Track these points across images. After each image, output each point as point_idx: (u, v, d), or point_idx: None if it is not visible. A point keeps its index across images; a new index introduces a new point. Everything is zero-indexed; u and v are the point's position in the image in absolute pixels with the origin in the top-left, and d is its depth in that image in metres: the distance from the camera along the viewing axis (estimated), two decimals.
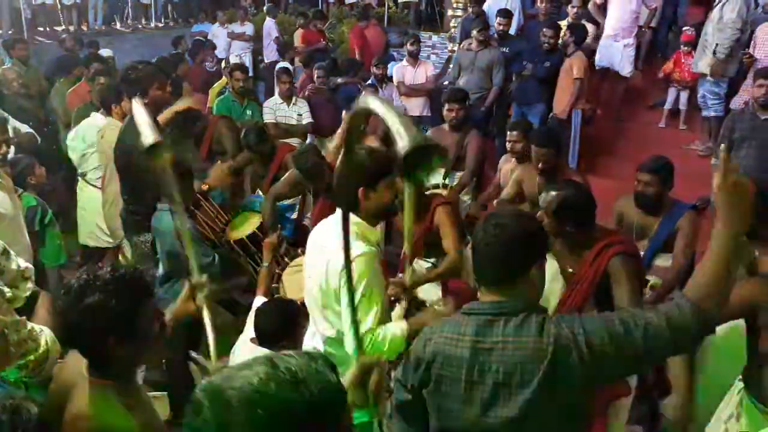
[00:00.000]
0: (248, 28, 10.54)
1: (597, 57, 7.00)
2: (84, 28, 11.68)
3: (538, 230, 1.76)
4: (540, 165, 3.85)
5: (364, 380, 1.51)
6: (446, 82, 7.47)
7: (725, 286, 1.55)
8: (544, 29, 6.31)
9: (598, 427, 2.68)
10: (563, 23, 6.83)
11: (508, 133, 4.46)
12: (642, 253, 3.56)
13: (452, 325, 1.70)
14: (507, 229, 1.66)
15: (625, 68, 6.99)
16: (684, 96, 7.02)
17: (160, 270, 3.43)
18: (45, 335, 2.05)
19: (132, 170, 3.51)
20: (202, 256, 3.16)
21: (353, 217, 2.38)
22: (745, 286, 2.37)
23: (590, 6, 7.30)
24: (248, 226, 4.22)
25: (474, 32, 6.57)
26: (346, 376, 1.44)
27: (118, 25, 12.47)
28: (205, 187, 4.23)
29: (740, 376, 2.51)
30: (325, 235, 2.46)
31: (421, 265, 3.73)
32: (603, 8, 7.19)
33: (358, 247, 2.19)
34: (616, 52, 6.93)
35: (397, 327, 2.26)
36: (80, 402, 1.56)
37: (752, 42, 5.78)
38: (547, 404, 1.58)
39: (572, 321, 1.62)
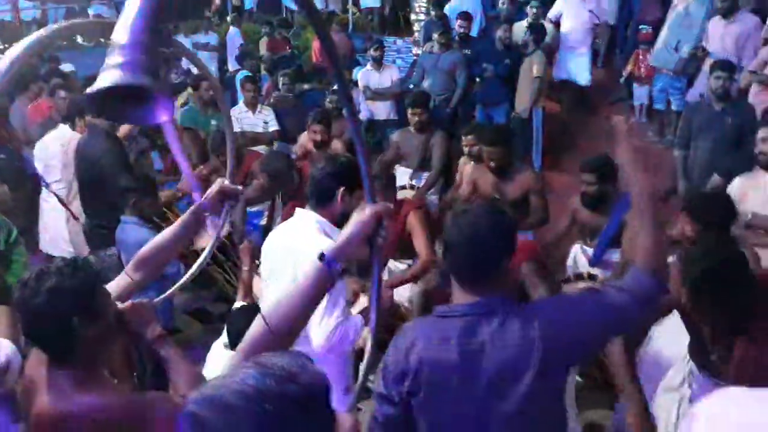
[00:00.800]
0: (212, 38, 10.50)
1: (555, 70, 7.16)
2: None
3: (509, 222, 1.78)
4: (492, 164, 3.92)
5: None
6: (411, 86, 7.53)
7: (661, 244, 1.66)
8: (499, 29, 6.48)
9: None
10: (523, 23, 6.95)
11: (463, 137, 4.56)
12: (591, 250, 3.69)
13: (434, 331, 1.68)
14: (480, 226, 1.68)
15: (582, 77, 7.16)
16: (645, 91, 7.18)
17: None
18: (3, 347, 2.05)
19: (94, 183, 3.49)
20: (169, 265, 3.15)
21: (316, 216, 2.47)
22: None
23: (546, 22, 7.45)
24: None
25: (435, 35, 6.66)
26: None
27: (80, 40, 12.32)
28: (179, 194, 4.24)
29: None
30: (291, 237, 2.50)
31: (398, 266, 3.80)
32: (557, 24, 7.30)
33: (323, 242, 2.21)
34: (572, 62, 7.12)
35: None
36: (42, 399, 1.56)
37: (704, 36, 5.94)
38: (540, 393, 1.62)
39: (549, 307, 1.71)
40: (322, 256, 1.35)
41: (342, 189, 2.45)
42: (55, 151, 4.47)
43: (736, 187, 3.67)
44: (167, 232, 1.97)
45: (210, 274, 4.15)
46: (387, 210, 1.41)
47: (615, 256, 3.64)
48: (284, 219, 3.95)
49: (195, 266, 2.12)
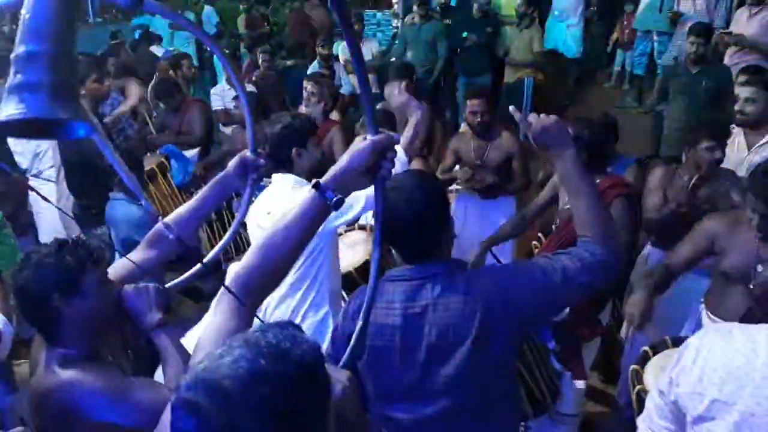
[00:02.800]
0: (188, 18, 10.38)
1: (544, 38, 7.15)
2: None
3: (440, 188, 1.79)
4: (476, 120, 3.95)
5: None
6: (393, 58, 7.53)
7: (601, 212, 1.62)
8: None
9: (578, 368, 2.80)
10: None
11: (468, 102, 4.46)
12: None
13: (381, 294, 1.67)
14: (411, 198, 1.64)
15: (571, 49, 7.11)
16: (628, 57, 7.25)
17: (117, 259, 3.44)
18: None
19: (80, 164, 3.50)
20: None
21: (291, 176, 2.56)
22: (705, 221, 2.64)
23: None
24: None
25: (415, 7, 6.66)
26: None
27: None
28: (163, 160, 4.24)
29: (702, 300, 2.71)
30: (270, 200, 2.58)
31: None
32: None
33: (302, 194, 2.26)
34: (560, 32, 7.09)
35: None
36: (38, 378, 1.59)
37: None
38: (483, 358, 1.61)
39: (494, 272, 1.68)
40: (317, 185, 1.25)
41: (294, 149, 2.55)
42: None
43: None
44: (187, 207, 1.83)
45: (197, 250, 4.18)
46: (389, 141, 1.26)
47: None
48: None
49: (217, 247, 1.91)
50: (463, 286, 1.62)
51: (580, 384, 2.81)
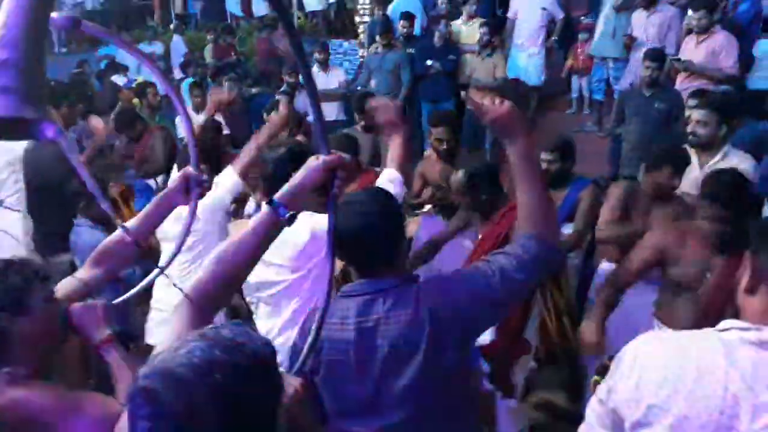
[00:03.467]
0: (157, 47, 10.42)
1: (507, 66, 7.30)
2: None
3: (394, 205, 1.81)
4: (441, 147, 4.03)
5: None
6: (358, 87, 7.66)
7: (544, 206, 1.64)
8: (439, 25, 6.75)
9: (507, 387, 2.84)
10: (459, 21, 7.18)
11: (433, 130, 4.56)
12: None
13: (336, 309, 1.69)
14: (367, 213, 1.67)
15: (532, 78, 7.22)
16: (585, 82, 7.47)
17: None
18: None
19: (43, 189, 3.49)
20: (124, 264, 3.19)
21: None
22: (653, 235, 2.75)
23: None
24: None
25: (378, 36, 6.81)
26: None
27: (55, 49, 12.05)
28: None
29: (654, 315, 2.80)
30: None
31: None
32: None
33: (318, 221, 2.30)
34: (522, 62, 7.25)
35: None
36: None
37: (629, 23, 6.27)
38: (436, 367, 1.64)
39: (440, 282, 1.72)
40: (271, 201, 1.32)
41: (293, 174, 2.57)
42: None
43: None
44: (132, 222, 1.88)
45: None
46: (340, 160, 1.32)
47: (567, 230, 3.85)
48: None
49: (152, 275, 1.91)
50: (413, 299, 1.65)
51: (512, 403, 2.85)
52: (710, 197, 2.52)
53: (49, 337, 1.64)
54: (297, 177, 1.34)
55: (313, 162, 1.34)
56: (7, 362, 1.59)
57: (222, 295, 1.34)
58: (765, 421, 1.15)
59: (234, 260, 1.31)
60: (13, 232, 4.57)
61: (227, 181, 3.00)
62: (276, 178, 2.63)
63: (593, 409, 1.39)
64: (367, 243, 1.67)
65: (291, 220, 1.29)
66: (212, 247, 2.68)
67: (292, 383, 1.10)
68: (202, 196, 1.83)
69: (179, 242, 1.90)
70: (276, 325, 2.62)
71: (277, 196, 1.32)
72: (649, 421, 1.23)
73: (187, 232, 1.90)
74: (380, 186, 2.16)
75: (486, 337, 2.67)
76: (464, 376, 1.77)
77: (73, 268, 3.50)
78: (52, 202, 3.52)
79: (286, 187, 1.34)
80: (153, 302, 3.34)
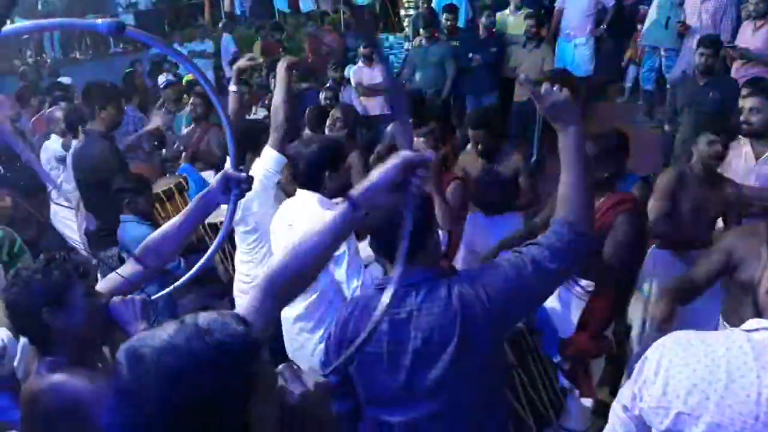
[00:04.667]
0: (208, 46, 10.63)
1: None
2: (43, 58, 11.73)
3: (425, 199, 1.83)
4: (478, 147, 3.99)
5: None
6: (403, 81, 7.63)
7: (584, 196, 1.63)
8: (483, 18, 6.62)
9: (588, 386, 2.80)
10: (507, 11, 7.03)
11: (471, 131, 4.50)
12: None
13: (370, 301, 1.74)
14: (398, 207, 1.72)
15: (580, 68, 7.01)
16: (641, 72, 7.24)
17: None
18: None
19: (93, 187, 3.61)
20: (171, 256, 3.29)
21: (317, 195, 2.69)
22: (723, 239, 2.68)
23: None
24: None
25: (421, 29, 6.76)
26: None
27: (77, 54, 12.49)
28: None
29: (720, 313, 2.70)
30: (293, 214, 2.71)
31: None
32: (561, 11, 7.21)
33: (323, 215, 2.37)
34: (569, 52, 7.07)
35: None
36: (29, 382, 1.68)
37: (683, 10, 6.03)
38: (468, 358, 1.66)
39: (472, 275, 1.71)
40: (349, 197, 1.28)
41: (327, 172, 2.65)
42: (48, 159, 4.64)
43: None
44: (172, 222, 1.91)
45: (214, 271, 4.26)
46: (420, 158, 1.24)
47: None
48: None
49: (200, 263, 1.98)
50: (445, 291, 1.67)
51: (587, 402, 2.79)
52: None
53: (90, 330, 1.72)
54: (372, 175, 1.28)
55: (393, 159, 1.27)
56: (50, 352, 1.69)
57: (292, 286, 1.35)
58: None
59: (306, 254, 1.31)
60: (68, 228, 4.78)
61: (268, 158, 3.05)
62: (309, 174, 2.67)
63: (617, 415, 1.35)
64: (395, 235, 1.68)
65: (366, 218, 1.27)
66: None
67: (306, 384, 1.09)
68: (242, 195, 1.83)
69: (220, 239, 1.93)
70: (290, 315, 2.73)
71: (353, 192, 1.29)
72: (678, 429, 1.19)
73: (227, 230, 1.92)
74: None
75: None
76: (496, 369, 1.77)
77: (121, 262, 3.62)
78: (100, 200, 3.64)
79: (363, 184, 1.29)
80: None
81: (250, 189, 1.83)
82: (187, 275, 1.98)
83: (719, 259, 2.61)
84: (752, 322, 1.20)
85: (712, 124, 3.19)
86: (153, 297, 1.89)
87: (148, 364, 0.90)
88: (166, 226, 1.91)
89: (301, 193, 2.77)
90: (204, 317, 0.96)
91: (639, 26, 7.10)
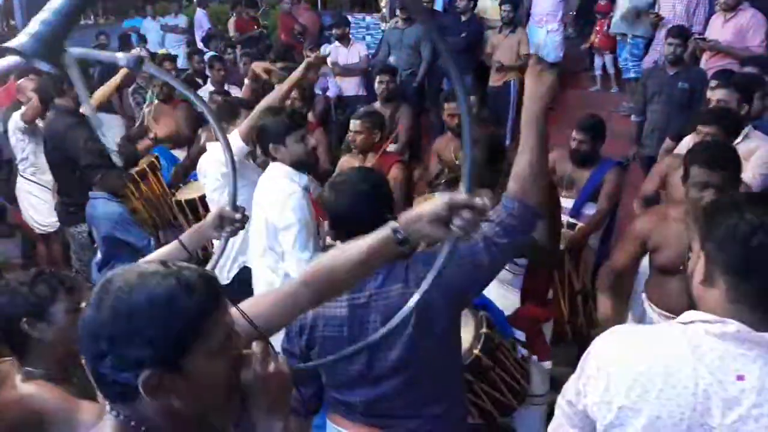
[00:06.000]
0: (181, 20, 10.42)
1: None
2: (12, 25, 11.40)
3: (382, 183, 1.88)
4: (452, 122, 4.02)
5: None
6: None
7: (536, 167, 1.66)
8: (461, 1, 6.60)
9: (542, 350, 2.85)
10: None
11: (445, 105, 4.49)
12: (572, 201, 3.92)
13: None
14: (356, 192, 1.77)
15: (551, 54, 7.03)
16: (609, 60, 7.31)
17: (98, 256, 3.50)
18: None
19: (61, 162, 3.56)
20: (138, 238, 3.29)
21: (286, 168, 2.81)
22: (633, 223, 2.75)
23: None
24: (200, 189, 3.95)
25: (398, 11, 6.73)
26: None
27: None
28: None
29: (643, 291, 2.80)
30: (261, 193, 2.84)
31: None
32: None
33: (289, 186, 2.66)
34: (541, 39, 7.09)
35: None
36: (4, 391, 1.70)
37: (656, 2, 6.10)
38: (426, 337, 1.72)
39: (427, 256, 1.74)
40: (393, 226, 1.31)
41: (271, 145, 2.80)
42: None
43: (684, 145, 3.81)
44: (163, 251, 1.86)
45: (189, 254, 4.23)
46: (466, 201, 1.23)
47: (590, 210, 3.87)
48: None
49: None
50: (402, 274, 1.72)
51: (546, 364, 2.87)
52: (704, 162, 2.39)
53: (69, 344, 1.72)
54: (422, 206, 1.31)
55: (443, 196, 1.28)
56: (27, 362, 1.73)
57: (325, 283, 1.37)
58: (736, 415, 1.14)
59: (347, 260, 1.35)
60: (32, 208, 4.71)
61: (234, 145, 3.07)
62: (262, 148, 2.88)
63: (562, 409, 1.37)
64: (356, 219, 1.73)
65: (403, 243, 1.29)
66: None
67: (271, 366, 1.12)
68: (234, 233, 1.84)
69: (218, 254, 1.90)
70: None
71: (399, 221, 1.32)
72: (621, 422, 1.22)
73: (216, 263, 1.89)
74: None
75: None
76: (451, 340, 1.84)
77: (90, 238, 3.59)
78: (68, 175, 3.60)
79: (409, 213, 1.32)
80: None
81: (243, 228, 1.85)
82: None
83: (633, 248, 2.71)
84: (688, 315, 1.24)
85: (724, 118, 3.25)
86: None
87: (114, 294, 0.99)
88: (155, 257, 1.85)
89: (272, 165, 2.88)
90: (180, 264, 1.04)
91: (598, 16, 7.17)
